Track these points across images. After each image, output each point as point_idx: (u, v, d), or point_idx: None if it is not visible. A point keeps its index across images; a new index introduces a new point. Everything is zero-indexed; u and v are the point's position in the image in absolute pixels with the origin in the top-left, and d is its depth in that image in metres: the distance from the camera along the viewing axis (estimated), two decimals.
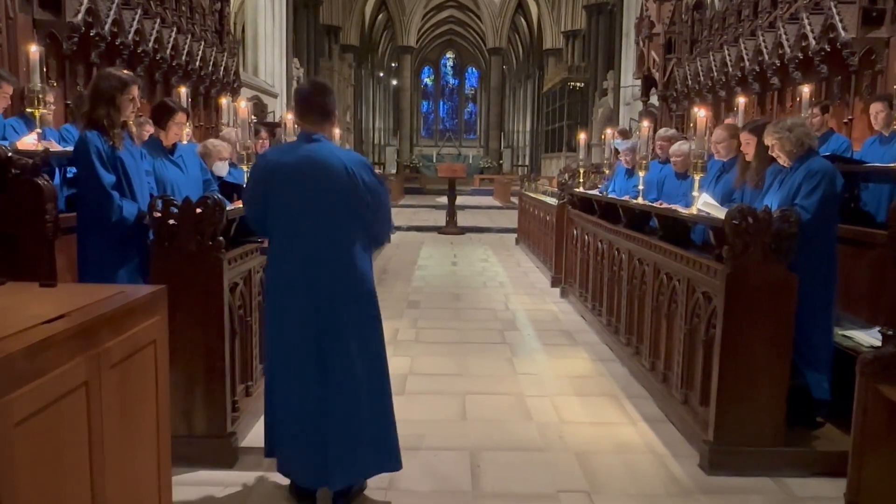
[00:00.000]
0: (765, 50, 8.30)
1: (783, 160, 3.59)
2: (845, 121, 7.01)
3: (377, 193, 2.88)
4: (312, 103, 2.88)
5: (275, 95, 19.67)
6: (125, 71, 3.57)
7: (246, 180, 3.94)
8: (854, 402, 2.36)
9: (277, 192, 2.81)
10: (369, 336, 2.91)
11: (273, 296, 2.90)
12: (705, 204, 3.92)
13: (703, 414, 3.55)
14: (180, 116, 4.13)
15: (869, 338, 3.57)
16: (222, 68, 10.08)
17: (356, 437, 2.84)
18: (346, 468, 2.85)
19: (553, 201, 8.90)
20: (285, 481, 3.04)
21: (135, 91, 3.44)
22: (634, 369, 4.77)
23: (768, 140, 3.61)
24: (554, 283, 8.15)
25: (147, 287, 2.22)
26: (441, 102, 44.48)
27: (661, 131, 5.85)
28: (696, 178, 4.10)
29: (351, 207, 2.81)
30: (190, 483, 3.09)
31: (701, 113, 4.19)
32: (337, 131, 9.90)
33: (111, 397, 1.80)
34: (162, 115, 4.11)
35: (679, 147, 5.05)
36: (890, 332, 2.51)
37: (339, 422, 2.82)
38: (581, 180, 7.71)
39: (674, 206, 4.47)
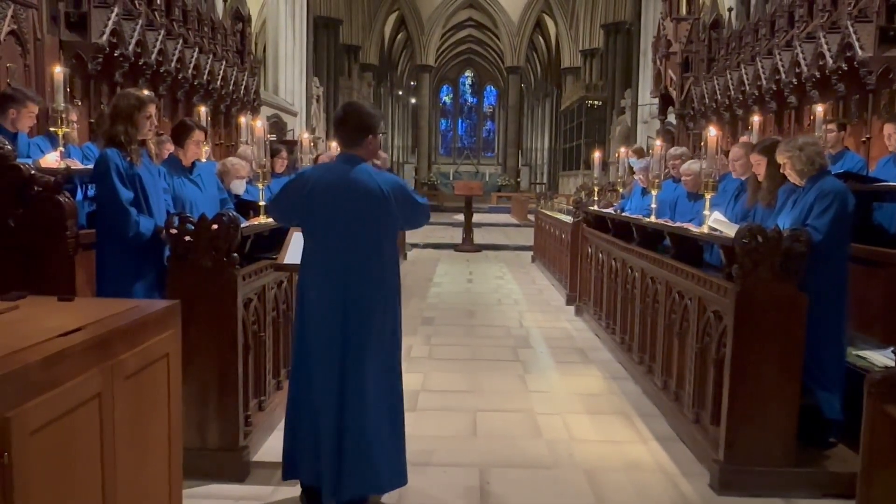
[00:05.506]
0: (782, 69, 8.30)
1: (794, 179, 3.59)
2: (863, 139, 6.97)
3: (412, 202, 3.03)
4: (345, 125, 3.02)
5: (294, 114, 19.88)
6: (145, 91, 3.68)
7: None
8: (862, 423, 2.35)
9: (313, 207, 2.93)
10: (389, 351, 3.02)
11: (302, 305, 3.01)
12: (716, 221, 3.92)
13: (714, 433, 3.53)
14: (198, 135, 4.26)
15: (883, 358, 3.53)
16: (243, 87, 10.26)
17: (370, 450, 2.90)
18: (357, 480, 2.91)
19: (568, 219, 8.91)
20: (296, 494, 3.08)
21: (152, 109, 3.56)
22: (647, 388, 4.75)
23: (780, 158, 3.61)
24: (569, 301, 8.14)
25: (161, 302, 2.29)
26: (459, 120, 44.60)
27: (672, 150, 5.83)
28: (708, 197, 4.10)
29: (383, 226, 2.95)
30: (201, 496, 3.13)
31: (712, 132, 4.19)
32: None
33: (124, 409, 1.86)
34: (180, 133, 4.26)
35: (689, 166, 5.04)
36: None
37: (356, 433, 2.89)
38: (596, 198, 7.73)
39: (686, 225, 4.46)
